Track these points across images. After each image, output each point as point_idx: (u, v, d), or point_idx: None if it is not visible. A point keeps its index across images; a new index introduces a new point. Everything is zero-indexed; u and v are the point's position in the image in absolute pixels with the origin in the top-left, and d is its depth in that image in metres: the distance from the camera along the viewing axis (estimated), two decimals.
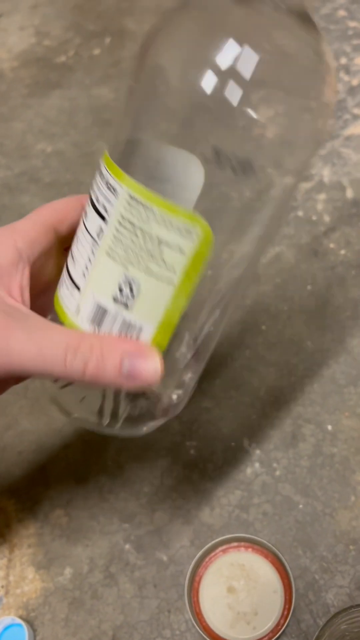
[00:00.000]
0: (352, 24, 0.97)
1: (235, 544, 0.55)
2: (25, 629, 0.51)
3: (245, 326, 0.69)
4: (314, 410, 0.62)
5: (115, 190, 0.34)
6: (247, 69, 0.31)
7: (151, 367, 0.35)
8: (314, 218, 0.76)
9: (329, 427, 0.61)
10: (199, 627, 0.50)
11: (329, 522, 0.55)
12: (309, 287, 0.71)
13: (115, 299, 0.35)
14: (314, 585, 0.53)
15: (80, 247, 0.37)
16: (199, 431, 0.62)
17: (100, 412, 0.40)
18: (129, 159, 0.35)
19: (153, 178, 0.34)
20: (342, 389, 0.63)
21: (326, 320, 0.68)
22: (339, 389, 0.63)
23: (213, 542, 0.54)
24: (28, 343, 0.34)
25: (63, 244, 0.42)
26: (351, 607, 0.44)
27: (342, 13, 0.99)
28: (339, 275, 0.71)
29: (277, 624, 0.50)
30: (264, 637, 0.50)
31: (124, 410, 0.40)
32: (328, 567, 0.53)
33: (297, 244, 0.75)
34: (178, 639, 0.52)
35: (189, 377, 0.42)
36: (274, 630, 0.50)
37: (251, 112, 0.32)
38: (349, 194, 0.78)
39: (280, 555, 0.53)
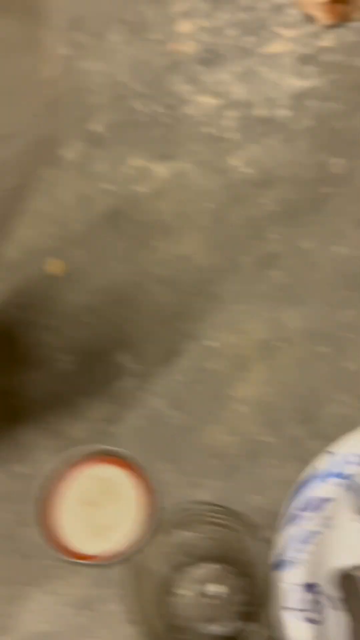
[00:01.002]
0: None
1: (99, 457, 0.52)
2: None
3: (136, 242, 0.66)
4: (197, 326, 0.59)
5: None
6: None
7: None
8: (222, 135, 0.72)
9: (210, 344, 0.58)
10: (52, 541, 0.48)
11: (198, 437, 0.53)
12: (206, 204, 0.67)
13: None
14: (177, 499, 0.51)
15: None
16: (75, 345, 0.59)
17: None
18: None
19: None
20: (227, 306, 0.60)
21: (221, 237, 0.65)
22: (224, 306, 0.60)
23: (75, 454, 0.52)
24: None
25: None
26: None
27: None
28: (240, 193, 0.68)
29: (138, 538, 0.48)
30: (123, 550, 0.48)
31: None
32: (193, 481, 0.51)
33: (202, 160, 0.71)
34: (35, 552, 0.50)
35: None
36: (134, 545, 0.48)
37: None
38: (260, 112, 0.74)
39: (144, 469, 0.51)
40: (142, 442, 0.53)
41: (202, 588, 0.45)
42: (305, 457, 0.51)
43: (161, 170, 0.71)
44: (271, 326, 0.58)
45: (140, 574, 0.38)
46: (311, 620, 0.42)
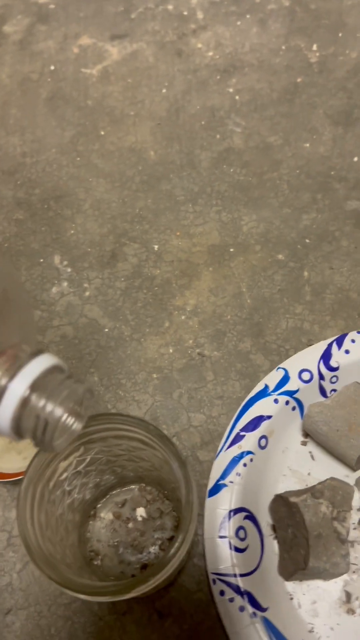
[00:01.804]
0: None
1: None
2: None
3: (81, 130, 0.58)
4: (142, 227, 0.52)
5: None
6: None
7: None
8: (185, 13, 0.63)
9: (155, 247, 0.51)
10: None
11: (135, 349, 0.47)
12: (164, 91, 0.59)
13: None
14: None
15: None
16: (4, 244, 0.52)
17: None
18: None
19: None
20: (179, 206, 0.53)
21: (176, 129, 0.57)
22: (175, 205, 0.53)
23: None
24: None
25: None
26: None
27: None
28: (201, 80, 0.59)
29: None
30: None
31: None
32: (124, 395, 0.46)
33: (160, 41, 0.62)
34: None
35: None
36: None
37: None
38: None
39: None
40: (72, 353, 0.47)
41: (124, 512, 0.41)
42: (252, 373, 0.45)
43: (113, 50, 0.62)
44: (225, 230, 0.51)
45: (31, 497, 0.33)
46: (239, 548, 0.39)
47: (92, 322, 0.49)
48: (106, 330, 0.48)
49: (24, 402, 0.24)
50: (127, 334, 0.48)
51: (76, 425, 0.27)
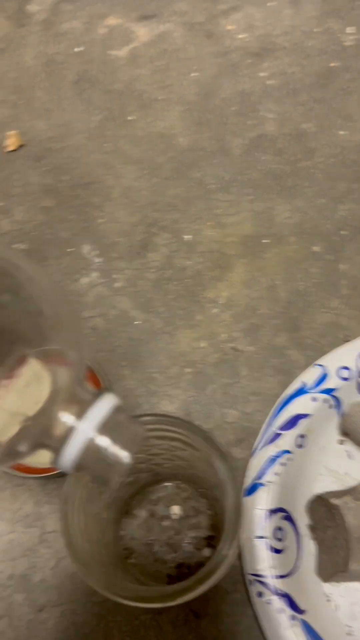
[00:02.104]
0: None
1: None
2: None
3: (109, 114, 0.56)
4: (173, 217, 0.51)
5: None
6: None
7: None
8: None
9: (187, 237, 0.50)
10: None
11: (167, 342, 0.46)
12: (193, 75, 0.57)
13: None
14: (135, 410, 0.45)
15: None
16: (32, 233, 0.51)
17: None
18: None
19: None
20: (210, 195, 0.52)
21: (206, 114, 0.55)
22: (206, 194, 0.52)
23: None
24: None
25: None
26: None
27: None
28: (232, 63, 0.58)
29: None
30: None
31: None
32: (157, 390, 0.45)
33: (189, 22, 0.60)
34: None
35: None
36: None
37: None
38: None
39: (101, 374, 0.45)
40: (103, 345, 0.47)
41: (159, 509, 0.40)
42: (288, 370, 0.44)
43: (141, 31, 0.60)
44: (258, 220, 0.50)
45: (87, 490, 0.32)
46: (277, 549, 0.38)
47: (122, 314, 0.48)
48: (137, 322, 0.47)
49: (91, 444, 0.25)
50: (159, 326, 0.47)
51: (130, 461, 0.27)
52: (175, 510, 0.40)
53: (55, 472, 0.40)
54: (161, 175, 0.53)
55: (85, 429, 0.25)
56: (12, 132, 0.56)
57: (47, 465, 0.42)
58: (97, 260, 0.50)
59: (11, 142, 0.55)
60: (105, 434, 0.26)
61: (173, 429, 0.32)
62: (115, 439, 0.26)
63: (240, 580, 0.39)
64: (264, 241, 0.49)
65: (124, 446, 0.26)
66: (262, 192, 0.51)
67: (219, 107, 0.55)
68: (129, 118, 0.56)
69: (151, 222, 0.51)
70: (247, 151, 0.53)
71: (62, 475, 0.42)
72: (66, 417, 0.26)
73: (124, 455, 0.26)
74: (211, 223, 0.50)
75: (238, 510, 0.28)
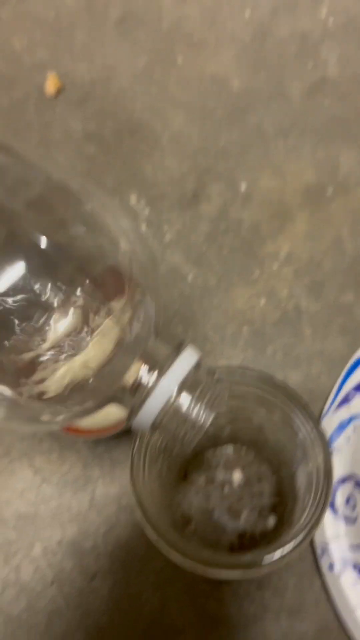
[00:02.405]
0: None
1: None
2: None
3: (156, 56, 0.52)
4: (228, 165, 0.47)
5: None
6: None
7: None
8: None
9: (243, 187, 0.46)
10: None
11: (222, 299, 0.43)
12: (247, 13, 0.53)
13: None
14: None
15: None
16: (75, 179, 0.48)
17: None
18: None
19: None
20: (268, 142, 0.48)
21: (263, 56, 0.51)
22: (264, 141, 0.48)
23: None
24: None
25: None
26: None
27: None
28: (290, 0, 0.53)
29: None
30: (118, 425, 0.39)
31: None
32: (212, 349, 0.42)
33: None
34: None
35: None
36: None
37: None
38: None
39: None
40: (155, 304, 0.43)
41: (218, 475, 0.37)
42: (355, 329, 0.41)
43: None
44: (321, 169, 0.46)
45: (145, 453, 0.30)
46: (349, 517, 0.35)
47: (174, 269, 0.44)
48: (189, 278, 0.44)
49: (171, 403, 0.23)
50: (213, 282, 0.44)
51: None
52: (237, 475, 0.37)
53: (106, 434, 0.38)
54: (214, 121, 0.49)
55: (167, 387, 0.23)
56: (52, 76, 0.52)
57: (103, 426, 0.39)
58: (145, 211, 0.46)
59: (51, 86, 0.52)
60: (186, 392, 0.24)
61: (248, 383, 0.29)
62: (196, 398, 0.24)
63: (309, 551, 0.36)
64: (328, 191, 0.45)
65: (205, 406, 0.24)
66: (325, 139, 0.47)
67: (276, 48, 0.51)
68: (178, 60, 0.52)
69: (203, 171, 0.47)
70: (307, 95, 0.49)
71: (113, 437, 0.39)
72: (145, 372, 0.23)
73: (204, 416, 0.24)
74: (269, 172, 0.47)
75: (329, 472, 0.26)
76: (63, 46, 0.54)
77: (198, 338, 0.42)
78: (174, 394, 0.24)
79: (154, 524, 0.26)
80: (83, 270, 0.23)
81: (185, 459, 0.38)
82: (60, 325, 0.22)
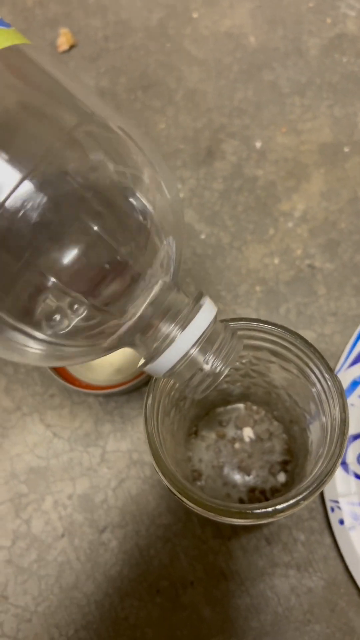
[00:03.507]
0: None
1: None
2: None
3: (171, 11, 0.51)
4: (243, 122, 0.46)
5: None
6: None
7: None
8: None
9: (258, 145, 0.46)
10: (57, 368, 0.39)
11: (236, 258, 0.43)
12: None
13: None
14: None
15: None
16: None
17: None
18: None
19: None
20: (284, 99, 0.47)
21: (279, 11, 0.50)
22: (280, 98, 0.47)
23: None
24: None
25: None
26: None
27: None
28: None
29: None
30: (137, 379, 0.39)
31: None
32: (225, 309, 0.42)
33: None
34: (36, 380, 0.42)
35: None
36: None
37: None
38: None
39: None
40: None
41: (229, 431, 0.37)
42: None
43: None
44: (338, 127, 0.45)
45: (158, 405, 0.29)
46: (359, 474, 0.35)
47: (187, 227, 0.44)
48: (202, 236, 0.43)
49: (189, 356, 0.24)
50: (226, 241, 0.43)
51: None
52: (247, 432, 0.37)
53: (116, 390, 0.38)
54: (229, 78, 0.48)
55: (186, 339, 0.24)
56: (64, 31, 0.51)
57: (111, 382, 0.39)
58: None
59: (63, 42, 0.51)
60: (204, 344, 0.24)
61: (264, 336, 0.29)
62: (213, 351, 0.24)
63: (318, 508, 0.36)
64: (345, 150, 0.44)
65: (221, 359, 0.24)
66: (342, 97, 0.46)
67: (294, 3, 0.50)
68: (193, 15, 0.50)
69: (218, 128, 0.46)
70: (325, 52, 0.48)
71: (124, 392, 0.39)
72: (164, 322, 0.24)
73: (220, 368, 0.25)
74: (285, 129, 0.46)
75: (345, 422, 0.25)
76: (76, 1, 0.53)
77: (211, 297, 0.42)
78: (192, 346, 0.24)
79: (166, 469, 0.26)
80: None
81: (196, 415, 0.37)
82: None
